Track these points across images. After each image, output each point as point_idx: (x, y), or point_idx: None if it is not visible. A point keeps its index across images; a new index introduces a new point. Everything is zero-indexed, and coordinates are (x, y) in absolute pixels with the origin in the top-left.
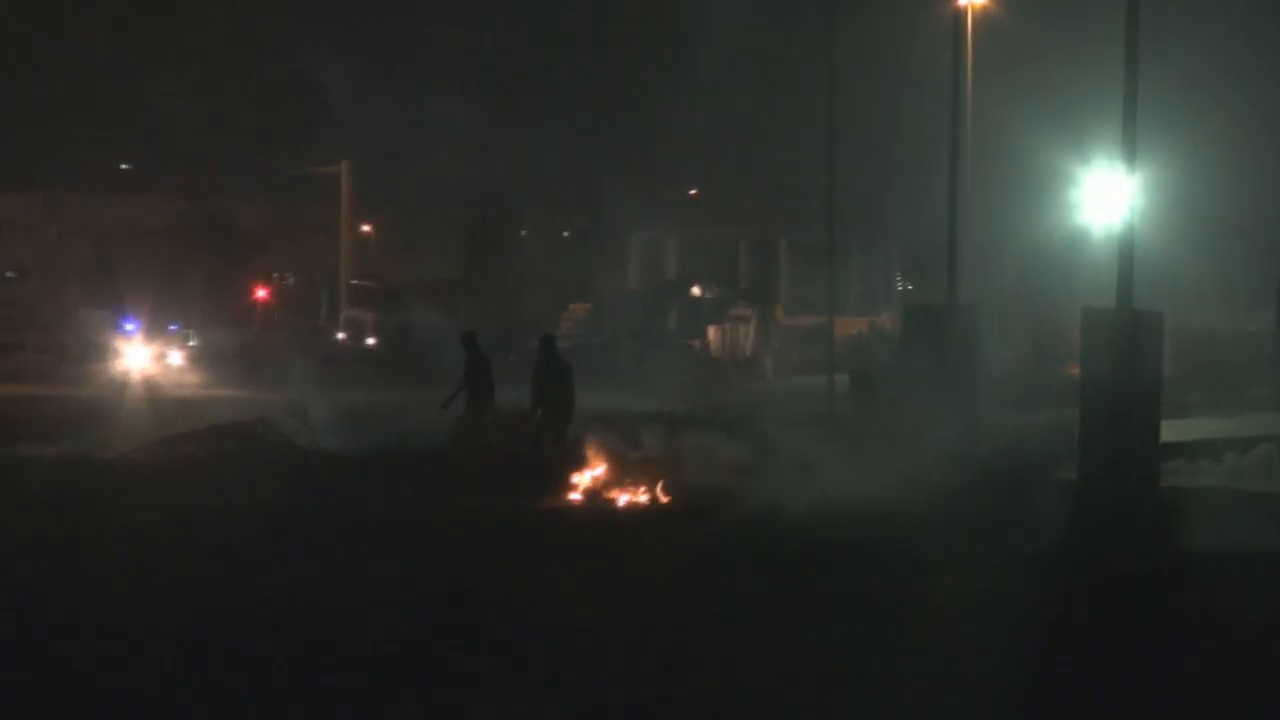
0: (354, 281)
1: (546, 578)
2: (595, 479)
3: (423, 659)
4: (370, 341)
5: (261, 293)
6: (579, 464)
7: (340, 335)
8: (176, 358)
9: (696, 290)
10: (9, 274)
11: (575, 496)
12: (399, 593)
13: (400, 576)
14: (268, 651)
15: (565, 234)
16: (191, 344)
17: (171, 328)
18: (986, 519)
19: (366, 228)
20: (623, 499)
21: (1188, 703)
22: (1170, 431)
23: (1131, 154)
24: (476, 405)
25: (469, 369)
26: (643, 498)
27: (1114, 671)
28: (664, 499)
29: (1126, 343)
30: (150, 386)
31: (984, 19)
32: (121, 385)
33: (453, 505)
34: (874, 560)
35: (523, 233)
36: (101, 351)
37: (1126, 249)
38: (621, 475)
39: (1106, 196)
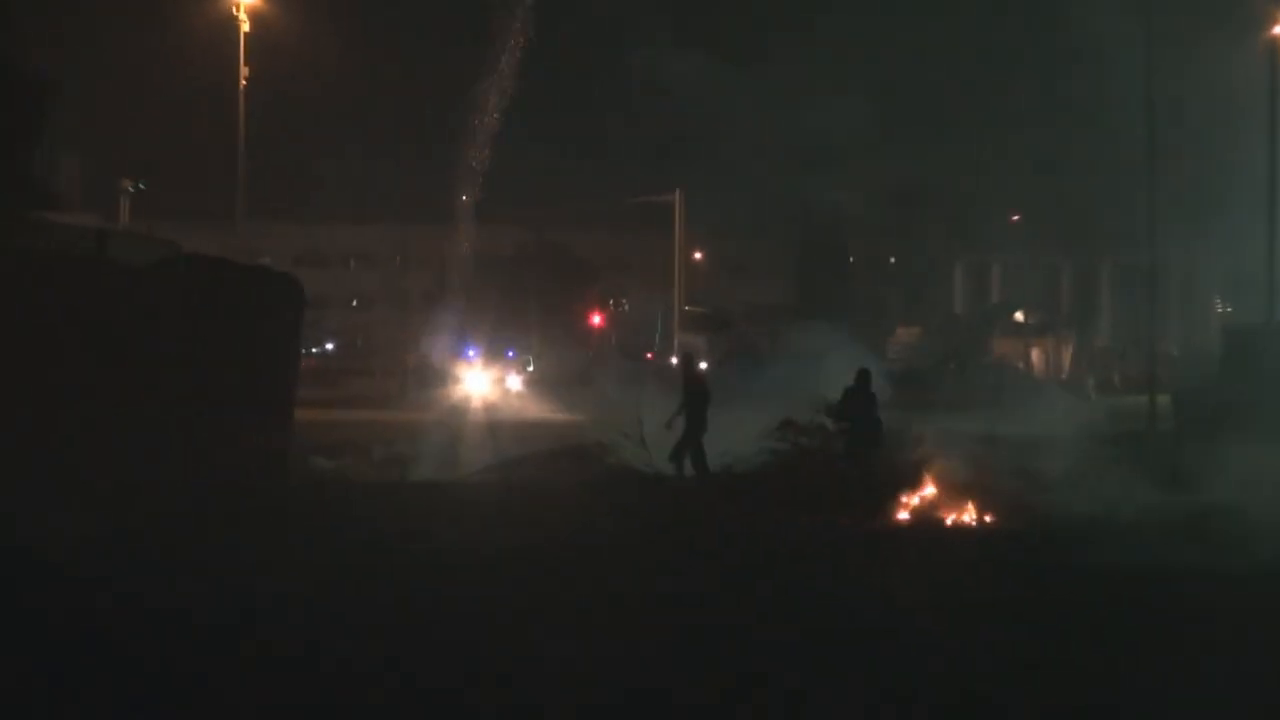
0: (686, 308)
1: None
2: (924, 499)
3: None
4: (703, 366)
5: (597, 319)
6: (905, 484)
7: (673, 360)
8: (515, 383)
9: (1019, 315)
10: (353, 303)
11: (904, 516)
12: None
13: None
14: None
15: (892, 259)
16: (529, 369)
17: (509, 354)
18: None
19: (698, 255)
20: (950, 519)
21: None
22: None
23: None
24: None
25: (690, 393)
26: (969, 518)
27: None
28: (992, 519)
29: None
30: (490, 411)
31: None
32: (463, 410)
33: (797, 524)
34: (1195, 578)
35: (850, 258)
36: (443, 377)
37: None
38: (949, 495)
39: None
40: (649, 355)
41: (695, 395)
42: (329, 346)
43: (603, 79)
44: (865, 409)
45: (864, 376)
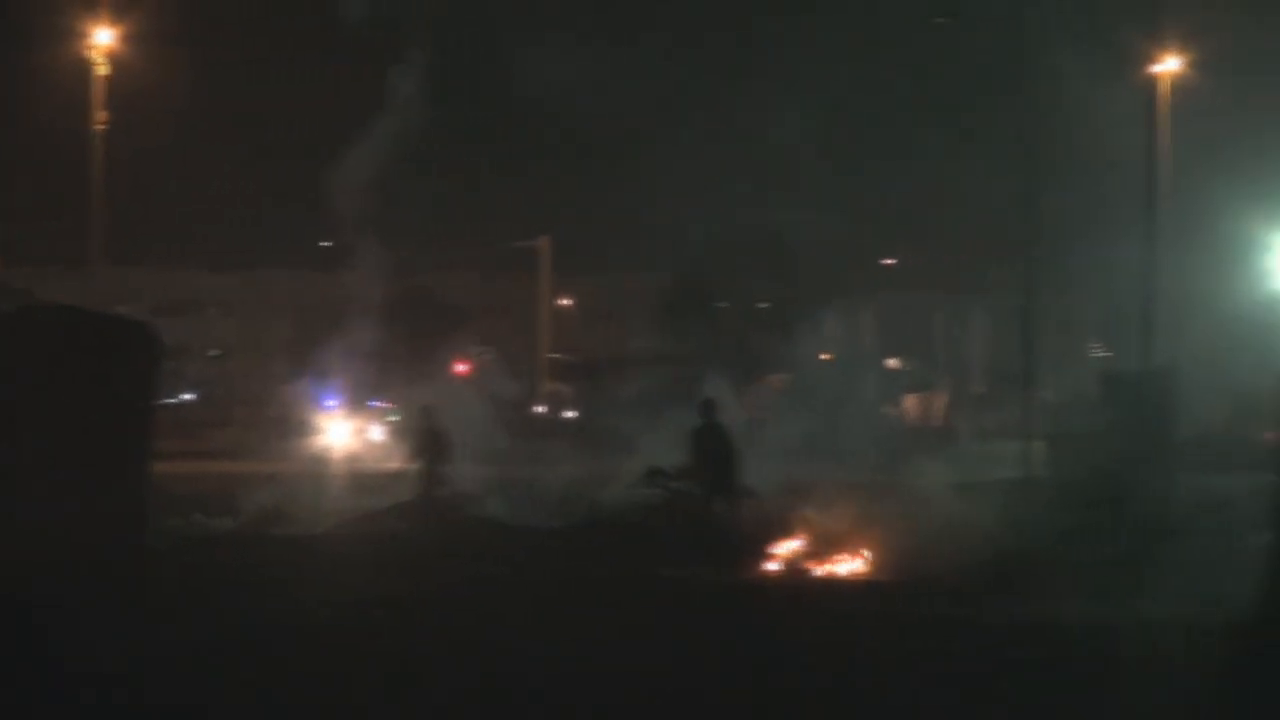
0: (554, 355)
1: None
2: (793, 550)
3: None
4: (569, 414)
5: (461, 367)
6: (775, 533)
7: (539, 408)
8: (377, 433)
9: (892, 361)
10: (212, 352)
11: (773, 566)
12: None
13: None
14: None
15: (762, 304)
16: (392, 419)
17: (371, 403)
18: (1180, 583)
19: (566, 301)
20: (821, 569)
21: None
22: None
23: None
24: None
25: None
26: (841, 568)
27: None
28: (863, 569)
29: None
30: (353, 461)
31: (1178, 83)
32: (324, 460)
33: (656, 575)
34: (1070, 630)
35: (719, 303)
36: (304, 427)
37: None
38: (819, 545)
39: None
40: (332, 402)
41: (433, 446)
42: (188, 397)
43: (476, 116)
44: (719, 448)
45: (709, 408)
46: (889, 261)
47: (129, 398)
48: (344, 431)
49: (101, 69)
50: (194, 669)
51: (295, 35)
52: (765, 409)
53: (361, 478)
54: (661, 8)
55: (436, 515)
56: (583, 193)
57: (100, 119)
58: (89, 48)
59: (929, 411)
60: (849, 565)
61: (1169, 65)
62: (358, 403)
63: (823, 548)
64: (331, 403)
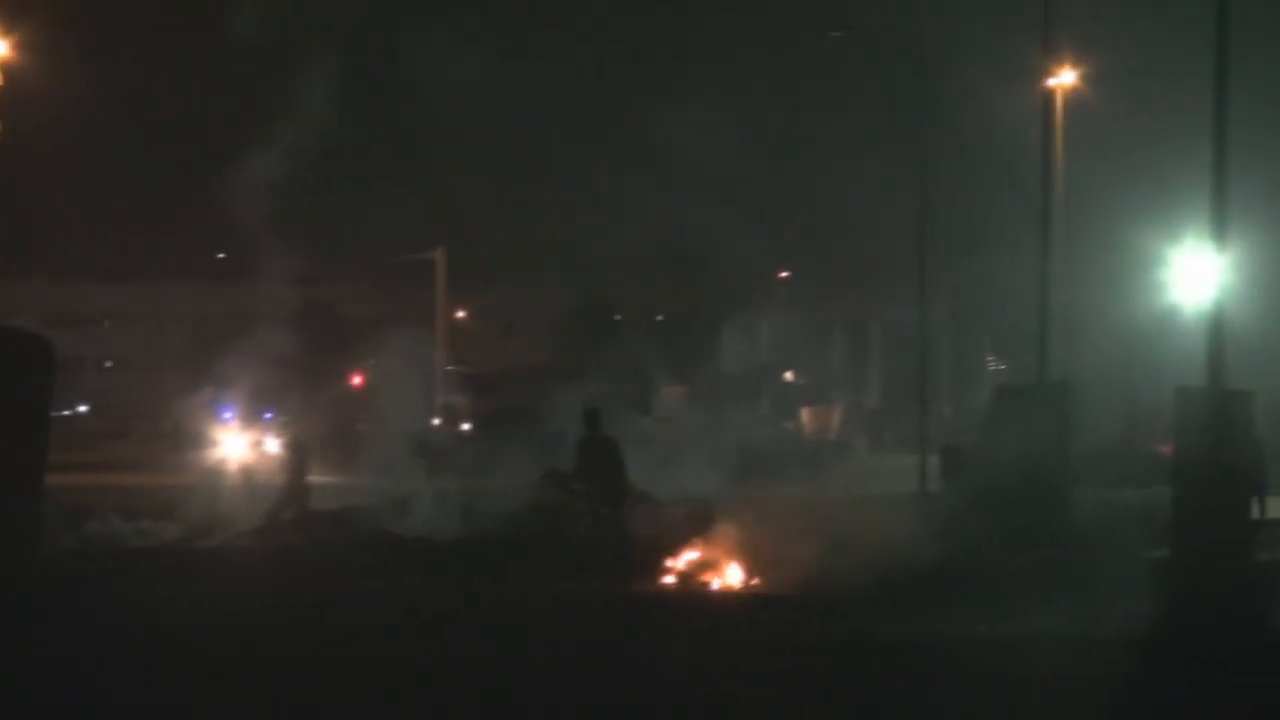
0: (449, 367)
1: None
2: (689, 562)
3: None
4: (465, 427)
5: (357, 379)
6: (671, 546)
7: (435, 421)
8: (273, 445)
9: (789, 374)
10: (107, 363)
11: (669, 580)
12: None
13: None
14: None
15: (659, 317)
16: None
17: (267, 415)
18: (1077, 598)
19: (462, 313)
20: (717, 583)
21: None
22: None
23: (1221, 231)
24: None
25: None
26: (736, 582)
27: None
28: (757, 583)
29: (1218, 422)
30: (248, 473)
31: (1073, 97)
32: (220, 473)
33: (554, 590)
34: (967, 645)
35: (617, 316)
36: (200, 439)
37: (1217, 328)
38: (715, 558)
39: (1197, 274)
40: (228, 414)
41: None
42: (82, 409)
43: (374, 129)
44: (605, 459)
45: (594, 419)
46: (784, 275)
47: (22, 409)
48: (240, 444)
49: None
50: (88, 673)
51: (190, 47)
52: (715, 415)
53: (257, 489)
54: (563, 22)
55: (320, 529)
56: (482, 207)
57: None
58: None
59: (825, 424)
60: (740, 578)
61: (1064, 79)
62: (254, 415)
63: (717, 560)
64: (228, 415)
